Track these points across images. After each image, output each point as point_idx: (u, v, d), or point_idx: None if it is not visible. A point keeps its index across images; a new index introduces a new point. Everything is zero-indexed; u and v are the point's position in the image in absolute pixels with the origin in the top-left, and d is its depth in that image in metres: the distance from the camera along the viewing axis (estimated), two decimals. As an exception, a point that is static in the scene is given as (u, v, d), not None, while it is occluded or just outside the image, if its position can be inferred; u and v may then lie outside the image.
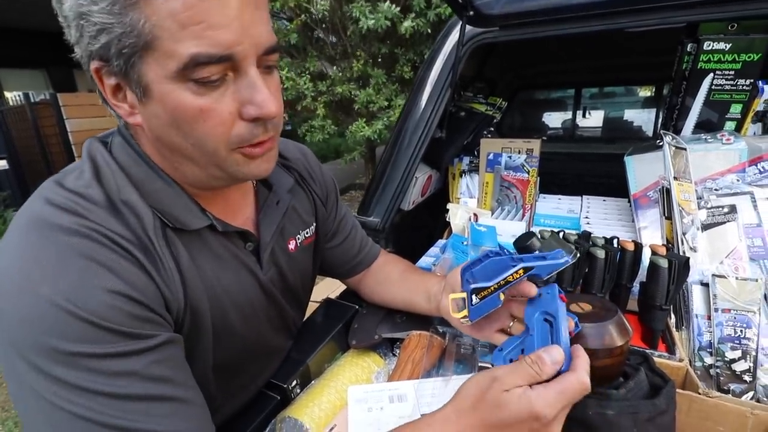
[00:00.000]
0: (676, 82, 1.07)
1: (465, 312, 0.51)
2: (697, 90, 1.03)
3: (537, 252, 0.51)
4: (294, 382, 0.69)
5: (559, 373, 0.43)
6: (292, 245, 0.65)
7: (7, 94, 6.31)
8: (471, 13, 1.07)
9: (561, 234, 0.82)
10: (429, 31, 3.44)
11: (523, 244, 0.53)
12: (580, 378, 0.42)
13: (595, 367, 0.55)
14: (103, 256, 0.40)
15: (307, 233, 0.68)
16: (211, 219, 0.51)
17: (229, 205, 0.56)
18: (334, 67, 4.06)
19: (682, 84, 1.05)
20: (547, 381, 0.42)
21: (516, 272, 0.48)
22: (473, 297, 0.49)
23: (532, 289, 0.50)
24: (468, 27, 1.13)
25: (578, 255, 0.67)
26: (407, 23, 3.31)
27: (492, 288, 0.48)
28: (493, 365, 0.52)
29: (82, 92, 5.86)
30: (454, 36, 1.23)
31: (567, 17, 1.04)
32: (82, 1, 0.36)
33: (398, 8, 3.30)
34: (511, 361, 0.47)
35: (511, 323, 0.56)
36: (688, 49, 1.02)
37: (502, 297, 0.49)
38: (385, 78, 3.74)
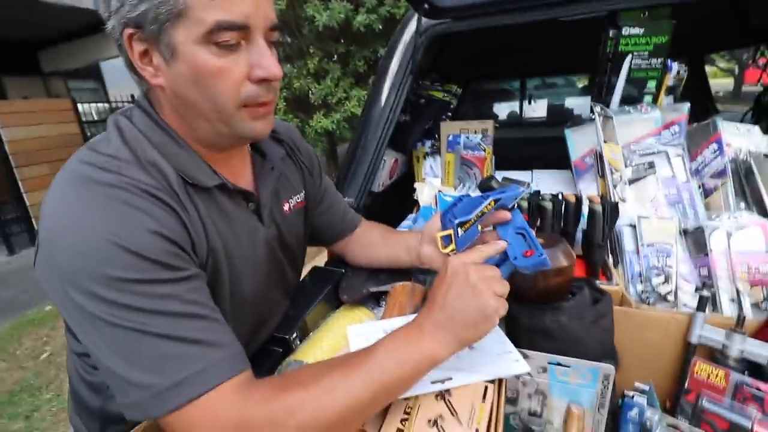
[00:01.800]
0: (602, 64, 1.24)
1: (452, 246, 0.60)
2: (619, 69, 1.20)
3: (497, 189, 0.62)
4: (294, 335, 0.77)
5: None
6: (286, 207, 0.73)
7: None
8: (426, 6, 1.18)
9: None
10: (381, 27, 3.56)
11: (486, 185, 0.64)
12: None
13: (548, 285, 0.68)
14: (140, 203, 0.47)
15: (298, 198, 0.76)
16: (222, 178, 0.58)
17: (233, 169, 0.63)
18: (288, 65, 4.08)
19: (607, 65, 1.23)
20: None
21: (489, 204, 0.58)
22: (459, 230, 0.59)
23: (507, 214, 0.61)
24: (423, 19, 1.25)
25: (530, 186, 0.80)
26: (360, 17, 3.42)
27: (473, 219, 0.59)
28: None
29: (16, 100, 5.44)
30: (410, 28, 1.34)
31: (508, 9, 1.18)
32: None
33: (351, 5, 3.39)
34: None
35: None
36: (611, 35, 1.19)
37: (480, 228, 0.60)
38: (341, 72, 3.82)
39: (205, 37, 0.47)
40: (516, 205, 0.62)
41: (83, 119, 5.51)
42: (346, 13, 3.37)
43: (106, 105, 7.14)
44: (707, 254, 0.90)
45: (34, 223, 4.78)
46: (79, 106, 5.43)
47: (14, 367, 2.52)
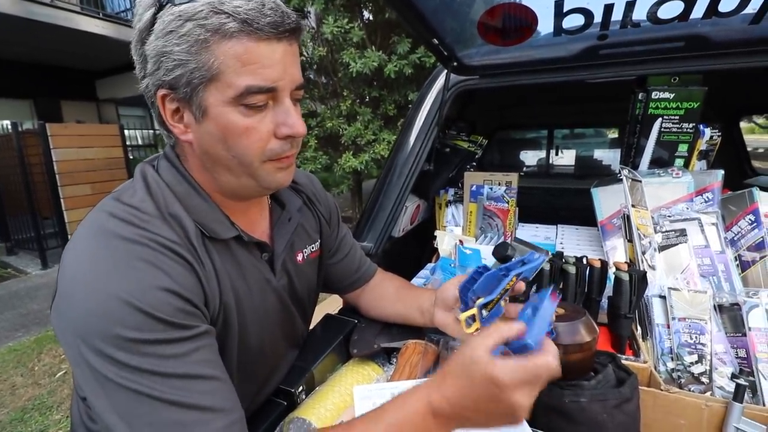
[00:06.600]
0: (632, 125, 1.23)
1: (477, 325, 0.58)
2: (649, 132, 1.19)
3: (514, 258, 0.60)
4: (300, 388, 0.75)
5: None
6: (300, 257, 0.73)
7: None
8: (455, 63, 1.22)
9: (538, 254, 0.93)
10: (411, 71, 3.70)
11: (502, 253, 0.62)
12: (546, 358, 0.45)
13: (568, 361, 0.64)
14: (158, 259, 0.48)
15: (312, 248, 0.77)
16: (239, 230, 0.59)
17: (250, 220, 0.65)
18: (323, 106, 4.27)
19: (636, 127, 1.21)
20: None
21: (510, 281, 0.56)
22: (483, 311, 0.57)
23: (522, 286, 0.59)
24: (452, 74, 1.29)
25: (548, 254, 0.77)
26: (391, 65, 3.58)
27: (496, 299, 0.56)
28: None
29: (71, 123, 5.87)
30: (439, 82, 1.39)
31: (534, 69, 1.20)
32: (165, 42, 0.47)
33: (385, 54, 3.56)
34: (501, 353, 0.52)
35: None
36: (639, 98, 1.18)
37: (503, 304, 0.58)
38: (371, 115, 3.96)
39: (235, 100, 0.49)
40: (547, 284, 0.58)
41: (128, 143, 5.86)
42: (380, 62, 3.53)
43: (150, 132, 7.61)
44: (745, 334, 0.84)
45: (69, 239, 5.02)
46: (126, 131, 5.79)
47: (30, 383, 2.56)
